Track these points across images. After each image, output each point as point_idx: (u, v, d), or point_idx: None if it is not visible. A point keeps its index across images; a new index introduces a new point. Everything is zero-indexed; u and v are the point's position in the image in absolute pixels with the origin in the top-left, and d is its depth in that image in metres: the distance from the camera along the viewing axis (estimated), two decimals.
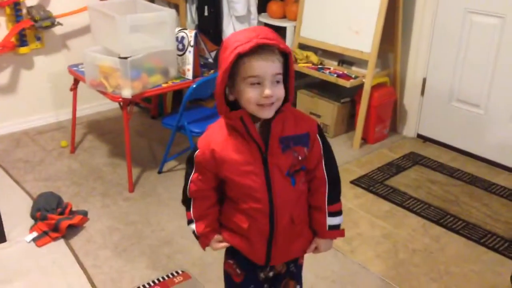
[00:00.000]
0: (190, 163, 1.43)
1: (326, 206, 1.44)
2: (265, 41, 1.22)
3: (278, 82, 1.26)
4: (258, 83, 1.24)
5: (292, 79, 1.31)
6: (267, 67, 1.23)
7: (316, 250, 1.51)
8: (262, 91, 1.24)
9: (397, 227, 2.55)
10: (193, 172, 1.42)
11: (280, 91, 1.27)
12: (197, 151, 1.38)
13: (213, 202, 1.45)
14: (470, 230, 2.51)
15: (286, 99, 1.31)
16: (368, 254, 2.36)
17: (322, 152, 1.41)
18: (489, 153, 3.15)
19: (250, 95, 1.25)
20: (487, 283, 2.17)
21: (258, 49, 1.22)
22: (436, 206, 2.71)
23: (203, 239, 1.48)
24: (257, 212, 1.37)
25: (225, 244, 1.48)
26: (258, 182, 1.34)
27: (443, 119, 3.35)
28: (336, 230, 1.48)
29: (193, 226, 1.48)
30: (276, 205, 1.36)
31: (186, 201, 1.48)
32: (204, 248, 1.51)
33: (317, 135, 1.39)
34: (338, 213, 1.47)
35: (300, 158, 1.36)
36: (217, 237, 1.48)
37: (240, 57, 1.23)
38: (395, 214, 2.66)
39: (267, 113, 1.28)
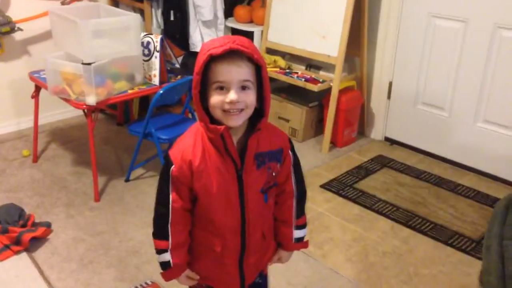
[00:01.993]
0: (165, 181, 1.31)
1: (294, 220, 1.45)
2: (239, 47, 1.18)
3: (247, 88, 1.22)
4: (225, 89, 1.21)
5: (267, 92, 1.25)
6: (233, 72, 1.19)
7: (279, 261, 1.52)
8: (227, 97, 1.20)
9: (367, 230, 2.57)
10: (171, 190, 1.31)
11: (248, 98, 1.22)
12: (172, 166, 1.29)
13: (189, 230, 1.38)
14: (438, 231, 2.55)
15: (261, 115, 1.27)
16: (339, 258, 2.36)
17: (292, 166, 1.40)
18: (454, 155, 3.21)
19: (215, 100, 1.21)
20: (456, 284, 2.20)
21: (229, 55, 1.18)
22: (404, 208, 2.74)
23: (175, 270, 1.38)
24: (229, 230, 1.34)
25: (195, 283, 1.43)
26: (231, 199, 1.30)
27: (409, 122, 3.40)
28: (300, 243, 1.49)
29: (166, 256, 1.36)
30: (248, 222, 1.34)
31: (160, 228, 1.35)
32: (168, 280, 1.41)
33: (289, 150, 1.38)
34: (303, 226, 1.49)
35: (274, 174, 1.34)
36: (188, 271, 1.42)
37: (212, 62, 1.20)
38: (365, 217, 2.67)
39: (234, 121, 1.23)
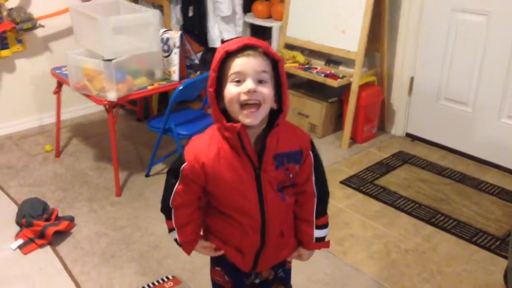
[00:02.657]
0: (174, 174, 1.34)
1: (314, 220, 1.43)
2: (254, 42, 1.21)
3: (263, 81, 1.21)
4: (241, 81, 1.21)
5: (285, 88, 1.26)
6: (250, 62, 1.20)
7: (299, 258, 1.51)
8: (244, 86, 1.20)
9: (389, 227, 2.54)
10: (178, 183, 1.34)
11: (266, 91, 1.21)
12: (184, 164, 1.30)
13: (195, 209, 1.40)
14: (461, 229, 2.51)
15: (280, 111, 1.27)
16: (361, 255, 2.34)
17: (313, 167, 1.38)
18: (477, 151, 3.16)
19: (232, 92, 1.21)
20: (480, 283, 2.17)
21: (245, 49, 1.21)
22: (426, 205, 2.70)
23: (186, 246, 1.44)
24: (249, 228, 1.34)
25: (215, 252, 1.44)
26: (250, 199, 1.30)
27: (431, 118, 3.35)
28: (322, 242, 1.48)
29: (175, 234, 1.42)
30: (268, 221, 1.34)
31: (166, 210, 1.41)
32: (189, 253, 1.47)
33: (310, 151, 1.36)
34: (325, 225, 1.47)
35: (291, 175, 1.33)
36: (202, 242, 1.44)
37: (229, 58, 1.21)
38: (386, 214, 2.65)
39: (252, 119, 1.21)
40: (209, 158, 1.27)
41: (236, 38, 1.28)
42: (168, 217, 1.41)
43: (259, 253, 1.39)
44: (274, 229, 1.36)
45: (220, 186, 1.29)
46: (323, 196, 1.43)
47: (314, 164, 1.38)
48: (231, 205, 1.32)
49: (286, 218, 1.41)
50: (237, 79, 1.21)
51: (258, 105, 1.21)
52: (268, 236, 1.35)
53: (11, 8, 3.22)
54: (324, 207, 1.45)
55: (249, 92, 1.19)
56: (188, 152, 1.30)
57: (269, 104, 1.23)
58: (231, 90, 1.21)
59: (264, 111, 1.23)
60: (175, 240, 1.44)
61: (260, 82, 1.21)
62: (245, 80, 1.20)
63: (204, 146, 1.28)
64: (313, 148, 1.37)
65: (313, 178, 1.39)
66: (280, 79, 1.25)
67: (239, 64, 1.20)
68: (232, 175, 1.27)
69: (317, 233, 1.44)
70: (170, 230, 1.43)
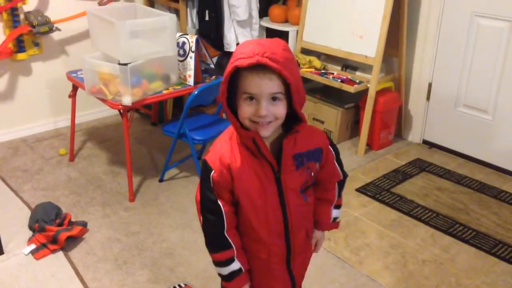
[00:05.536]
0: (209, 188, 1.26)
1: (336, 199, 1.46)
2: (267, 61, 1.11)
3: (277, 99, 1.17)
4: (254, 100, 1.17)
5: (298, 105, 1.21)
6: (263, 85, 1.15)
7: (317, 245, 1.51)
8: (257, 109, 1.16)
9: (406, 237, 2.49)
10: (217, 197, 1.27)
11: (278, 110, 1.18)
12: (212, 172, 1.25)
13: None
14: (480, 240, 2.44)
15: (295, 116, 1.24)
16: (377, 265, 2.29)
17: (335, 160, 1.41)
18: (497, 160, 3.09)
19: (244, 111, 1.18)
20: None
21: (258, 65, 1.13)
22: (444, 215, 2.64)
23: (244, 277, 1.33)
24: (272, 234, 1.31)
25: None
26: (271, 201, 1.28)
27: (450, 125, 3.29)
28: (334, 223, 1.51)
29: (235, 264, 1.30)
30: (291, 224, 1.32)
31: (218, 238, 1.30)
32: None
33: (329, 146, 1.37)
34: (340, 206, 1.51)
35: (312, 174, 1.33)
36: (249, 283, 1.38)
37: (241, 69, 1.15)
38: (403, 224, 2.59)
39: (263, 132, 1.20)
40: (234, 160, 1.25)
41: (255, 43, 1.16)
42: (223, 246, 1.30)
43: (289, 262, 1.36)
44: (299, 231, 1.36)
45: (244, 188, 1.26)
46: (344, 178, 1.47)
47: (336, 157, 1.40)
48: (254, 210, 1.28)
49: (310, 219, 1.41)
50: (249, 97, 1.17)
51: (269, 121, 1.20)
52: (294, 239, 1.34)
53: (28, 12, 3.24)
54: (342, 188, 1.48)
55: (261, 117, 1.17)
56: (211, 159, 1.26)
57: (281, 120, 1.21)
58: (243, 109, 1.18)
59: (276, 125, 1.22)
60: (230, 274, 1.31)
61: (273, 99, 1.17)
62: (259, 100, 1.16)
63: (226, 150, 1.26)
64: (331, 142, 1.39)
65: (337, 166, 1.41)
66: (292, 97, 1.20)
67: (251, 85, 1.15)
68: (254, 177, 1.26)
69: (334, 213, 1.48)
70: (227, 262, 1.31)
